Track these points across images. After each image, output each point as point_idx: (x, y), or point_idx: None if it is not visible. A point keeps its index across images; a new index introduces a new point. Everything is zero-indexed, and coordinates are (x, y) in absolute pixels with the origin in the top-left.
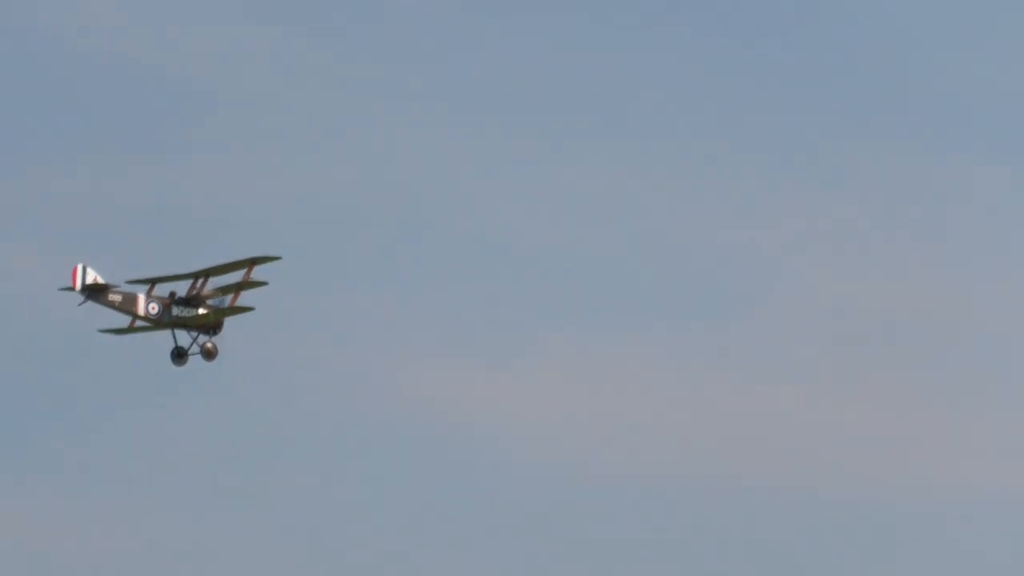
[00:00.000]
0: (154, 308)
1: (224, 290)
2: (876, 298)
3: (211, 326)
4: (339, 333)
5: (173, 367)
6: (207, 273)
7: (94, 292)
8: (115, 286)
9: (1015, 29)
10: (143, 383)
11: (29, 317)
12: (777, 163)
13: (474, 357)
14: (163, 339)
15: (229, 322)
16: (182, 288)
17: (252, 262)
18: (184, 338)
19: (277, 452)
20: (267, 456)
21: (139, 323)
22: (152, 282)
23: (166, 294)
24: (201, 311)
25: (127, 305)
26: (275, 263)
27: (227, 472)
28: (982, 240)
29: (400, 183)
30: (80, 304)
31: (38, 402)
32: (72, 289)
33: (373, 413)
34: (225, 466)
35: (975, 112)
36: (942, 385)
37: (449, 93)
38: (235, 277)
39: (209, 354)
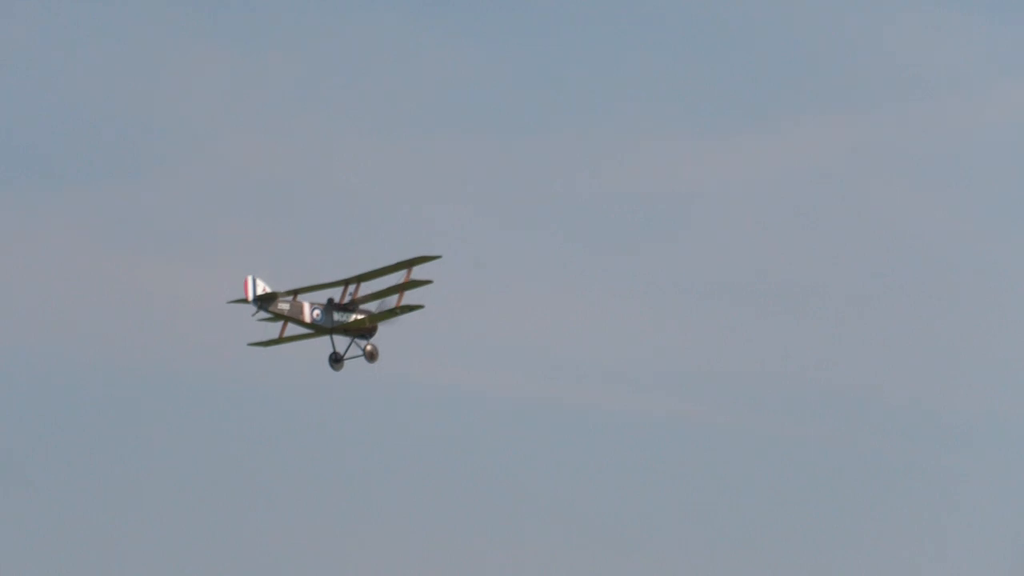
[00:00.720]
0: (318, 314)
1: (383, 293)
2: None
3: (367, 330)
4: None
5: (332, 371)
6: (360, 278)
7: (264, 301)
8: (283, 295)
9: None
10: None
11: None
12: None
13: None
14: (302, 349)
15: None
16: (335, 294)
17: (411, 263)
18: (339, 343)
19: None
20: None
21: (288, 332)
22: (295, 292)
23: (323, 301)
24: (358, 316)
25: (294, 312)
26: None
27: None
28: None
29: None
30: (253, 315)
31: (210, 415)
32: (245, 301)
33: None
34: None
35: None
36: None
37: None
38: (388, 279)
39: (372, 356)
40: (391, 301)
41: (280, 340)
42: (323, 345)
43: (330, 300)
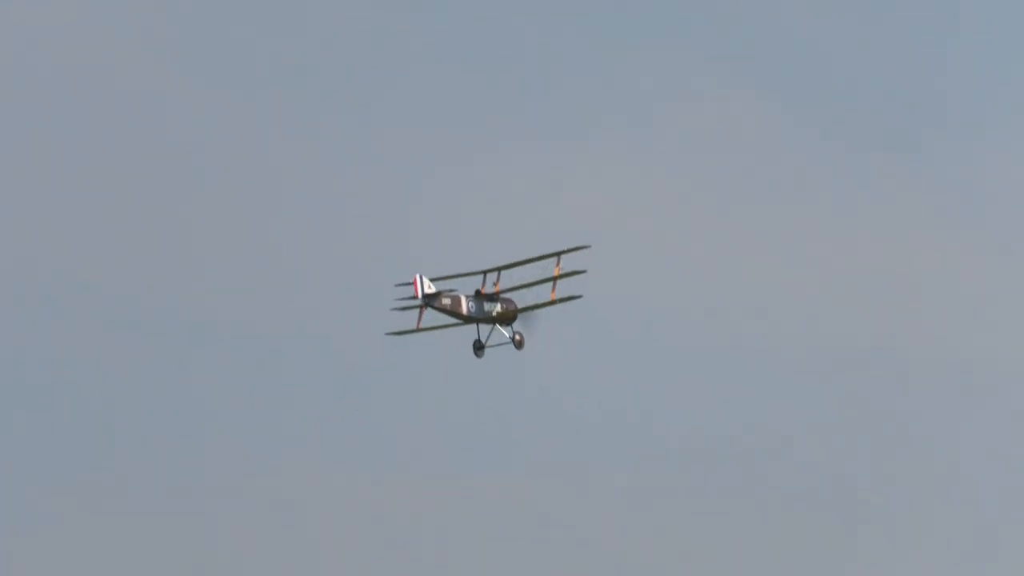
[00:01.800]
0: (472, 306)
1: (531, 284)
2: None
3: (510, 317)
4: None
5: (475, 358)
6: (499, 269)
7: (430, 298)
8: (445, 291)
9: None
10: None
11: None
12: None
13: None
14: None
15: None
16: (478, 284)
17: (559, 254)
18: (481, 331)
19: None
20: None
21: (424, 324)
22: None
23: (471, 292)
24: (507, 305)
25: (454, 306)
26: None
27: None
28: None
29: None
30: (420, 308)
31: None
32: (415, 297)
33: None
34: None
35: None
36: None
37: None
38: (534, 269)
39: (520, 344)
40: (540, 290)
41: (418, 329)
42: (457, 333)
43: (477, 291)
